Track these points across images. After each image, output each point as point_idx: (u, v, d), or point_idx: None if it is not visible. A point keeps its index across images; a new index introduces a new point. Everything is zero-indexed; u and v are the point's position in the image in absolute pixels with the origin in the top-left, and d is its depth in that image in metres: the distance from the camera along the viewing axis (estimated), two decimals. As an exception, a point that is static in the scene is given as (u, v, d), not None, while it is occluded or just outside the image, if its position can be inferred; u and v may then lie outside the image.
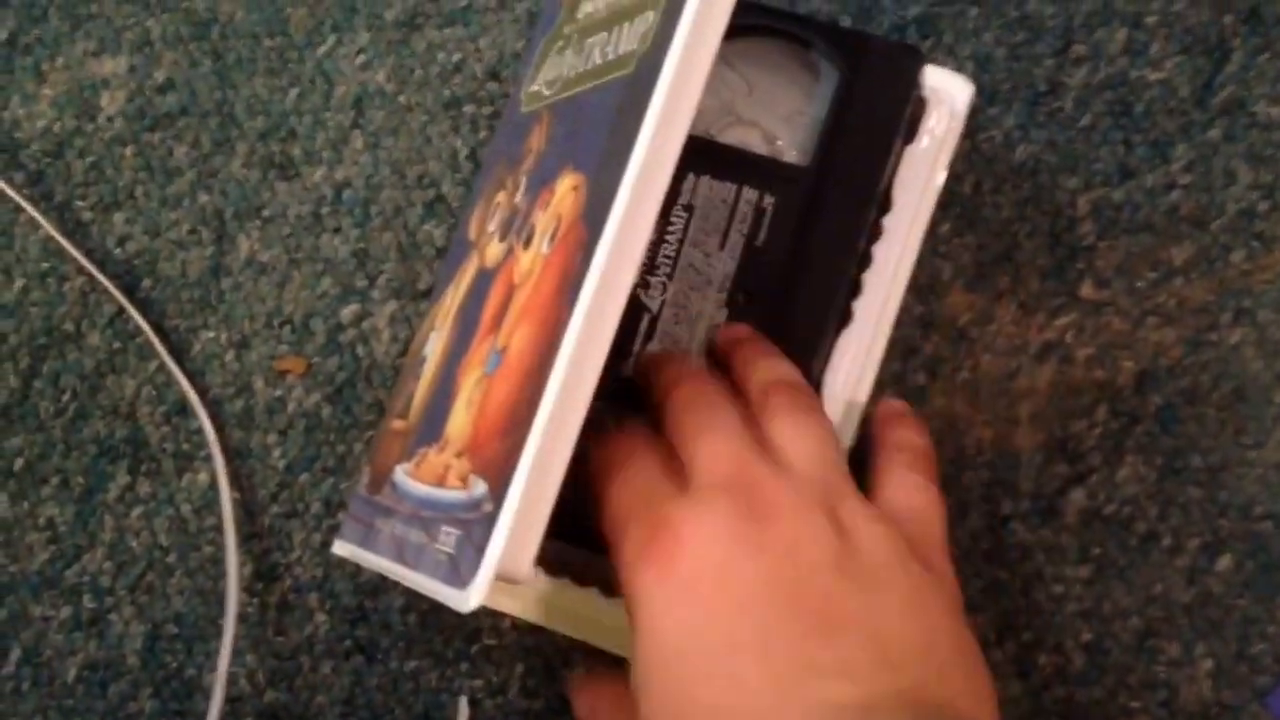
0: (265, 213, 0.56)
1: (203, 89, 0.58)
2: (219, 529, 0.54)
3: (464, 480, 0.40)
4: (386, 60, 0.56)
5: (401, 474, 0.45)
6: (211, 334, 0.56)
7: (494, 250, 0.46)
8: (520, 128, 0.48)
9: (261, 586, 0.53)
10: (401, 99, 0.56)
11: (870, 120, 0.45)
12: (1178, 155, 0.50)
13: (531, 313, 0.40)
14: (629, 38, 0.41)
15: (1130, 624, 0.49)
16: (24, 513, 0.55)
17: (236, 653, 0.53)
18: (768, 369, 0.44)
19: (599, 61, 0.43)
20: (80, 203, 0.57)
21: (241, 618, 0.53)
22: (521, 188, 0.45)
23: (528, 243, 0.43)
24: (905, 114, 0.45)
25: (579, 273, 0.38)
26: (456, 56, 0.56)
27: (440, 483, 0.42)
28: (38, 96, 0.58)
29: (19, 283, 0.57)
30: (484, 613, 0.52)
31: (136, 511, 0.55)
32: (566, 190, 0.41)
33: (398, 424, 0.48)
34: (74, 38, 0.59)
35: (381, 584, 0.53)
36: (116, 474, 0.55)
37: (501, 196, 0.47)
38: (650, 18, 0.41)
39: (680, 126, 0.39)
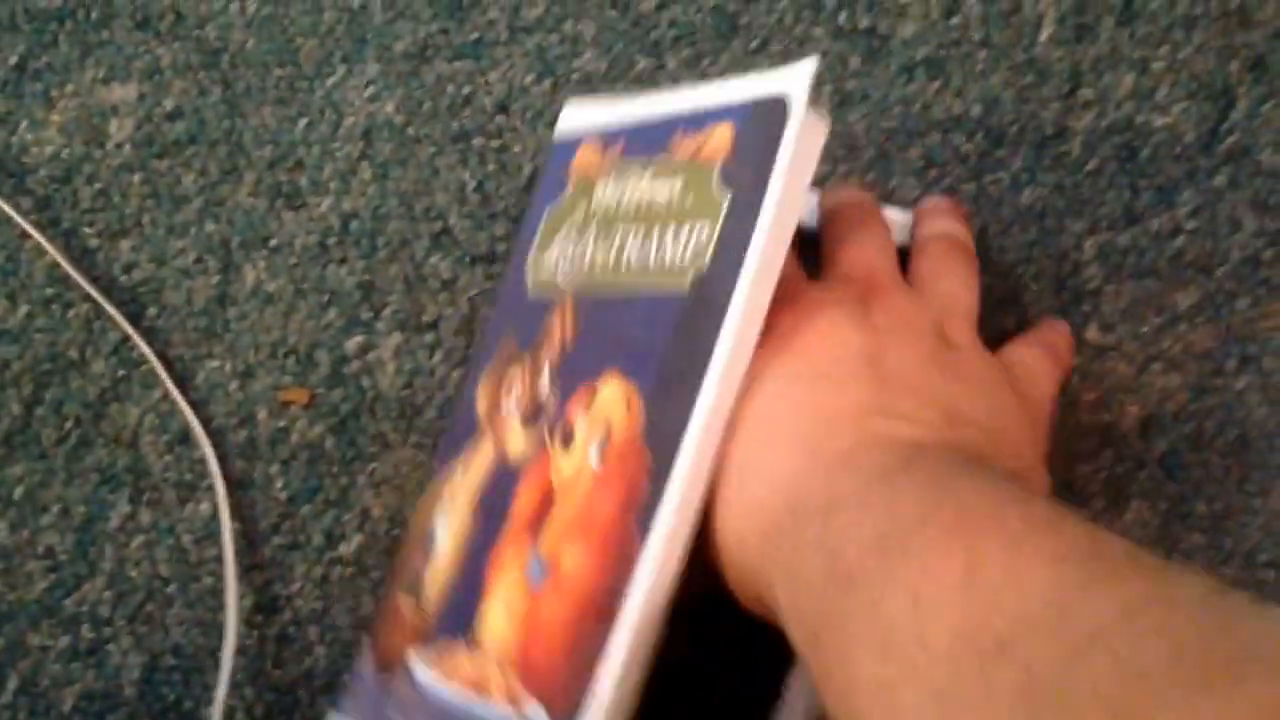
0: (272, 242, 0.56)
1: (211, 117, 0.58)
2: (219, 560, 0.54)
3: (514, 700, 0.40)
4: (396, 92, 0.56)
5: (421, 665, 0.44)
6: (216, 363, 0.56)
7: (517, 440, 0.45)
8: (532, 307, 0.47)
9: (261, 619, 0.53)
10: (410, 131, 0.56)
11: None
12: (1183, 201, 0.50)
13: (588, 532, 0.40)
14: (678, 248, 0.41)
15: (1132, 670, 0.48)
16: (24, 541, 0.55)
17: (234, 685, 0.53)
18: (940, 224, 0.48)
19: (636, 265, 0.43)
20: (87, 229, 0.57)
21: (240, 650, 0.53)
22: (545, 375, 0.44)
23: (566, 443, 0.42)
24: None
25: (648, 502, 0.38)
26: (466, 89, 0.56)
27: (479, 692, 0.41)
28: (46, 122, 0.58)
29: (23, 308, 0.57)
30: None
31: (137, 541, 0.55)
32: (616, 398, 0.41)
33: (405, 601, 0.47)
34: (84, 64, 0.59)
35: (382, 617, 0.53)
36: (118, 503, 0.55)
37: (516, 375, 0.46)
38: (705, 232, 0.40)
39: (743, 362, 0.39)
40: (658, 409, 0.39)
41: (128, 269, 0.57)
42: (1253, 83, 0.50)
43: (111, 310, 0.56)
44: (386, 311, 0.55)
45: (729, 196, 0.40)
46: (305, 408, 0.55)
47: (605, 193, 0.45)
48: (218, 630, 0.53)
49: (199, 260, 0.57)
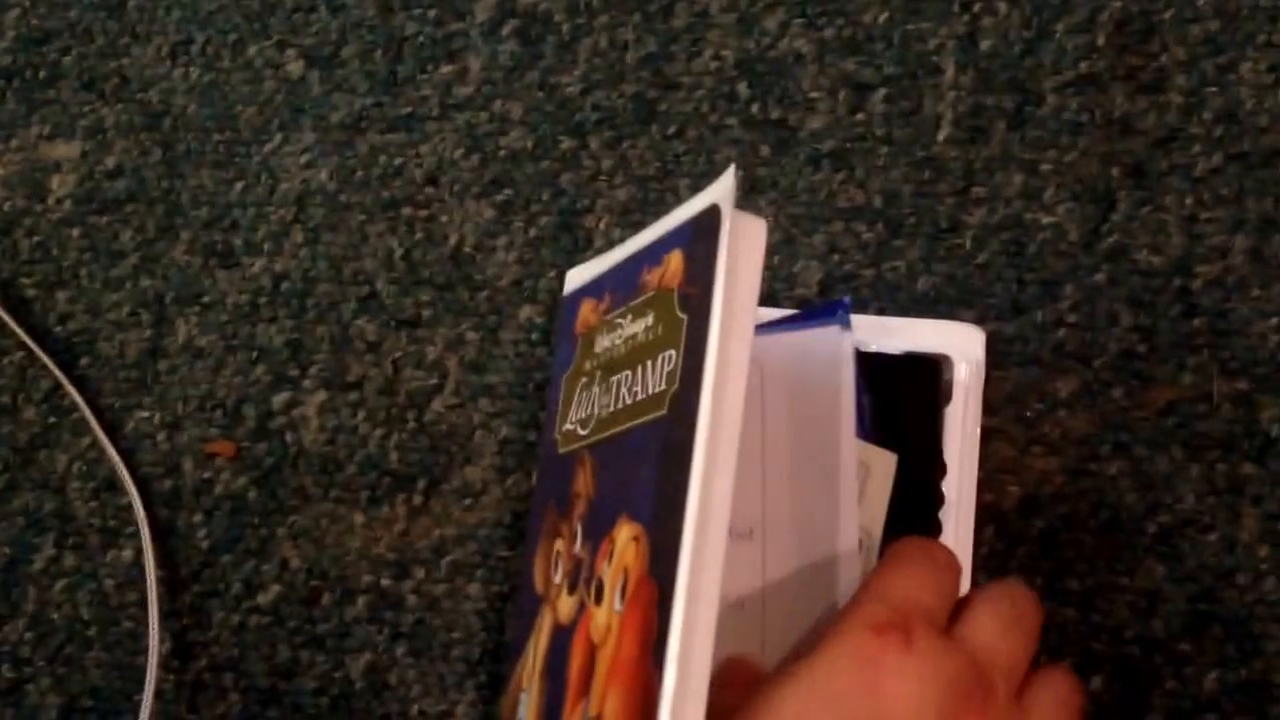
0: (205, 299, 0.58)
1: (151, 177, 0.60)
2: (140, 604, 0.56)
3: None
4: (330, 160, 0.59)
5: None
6: (145, 414, 0.58)
7: (566, 605, 0.46)
8: (563, 470, 0.48)
9: (178, 664, 0.55)
10: (342, 198, 0.58)
11: (916, 420, 0.49)
12: (1066, 295, 0.54)
13: (618, 677, 0.40)
14: (656, 376, 0.42)
15: (1005, 735, 0.51)
16: (-50, 580, 0.57)
17: (150, 726, 0.54)
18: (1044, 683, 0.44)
19: (629, 401, 0.44)
20: (25, 280, 0.59)
21: (158, 694, 0.55)
22: (579, 536, 0.45)
23: (599, 597, 0.43)
24: (941, 409, 0.49)
25: (659, 633, 0.38)
26: (398, 160, 0.58)
27: None
28: (-10, 175, 0.60)
29: (-40, 355, 0.59)
30: None
31: (60, 584, 0.56)
32: (627, 541, 0.42)
33: None
34: (29, 121, 0.61)
35: (295, 667, 0.55)
36: (43, 546, 0.57)
37: (560, 545, 0.47)
38: (673, 356, 0.41)
39: (727, 465, 0.38)
40: (657, 538, 0.40)
41: (63, 320, 0.59)
42: (1132, 187, 0.54)
43: (45, 358, 0.58)
44: (313, 370, 0.57)
45: (686, 317, 0.42)
46: (230, 460, 0.57)
47: (601, 345, 0.47)
48: (136, 674, 0.55)
49: (133, 314, 0.59)
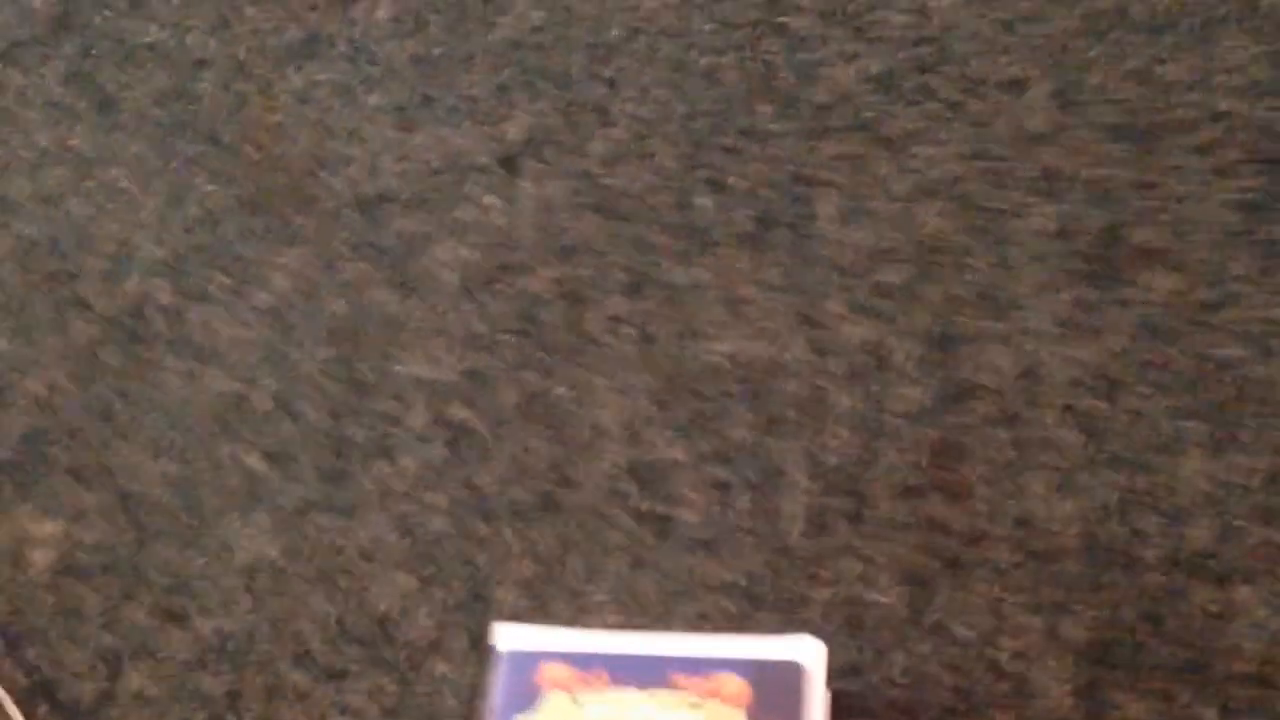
0: (158, 655, 0.67)
1: (122, 551, 0.70)
2: None
3: None
4: (280, 538, 0.69)
5: None
6: (91, 756, 0.65)
7: None
8: None
9: None
10: (287, 569, 0.68)
11: None
12: (896, 660, 0.64)
13: None
14: None
15: None
16: None
17: None
18: None
19: None
20: (-2, 636, 0.68)
21: None
22: None
23: None
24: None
25: None
26: (339, 540, 0.69)
27: None
28: (-19, 546, 0.70)
29: (-69, 697, 0.66)
30: None
31: None
32: None
33: None
34: (21, 503, 0.71)
35: None
36: None
37: None
38: None
39: None
40: None
41: (29, 672, 0.67)
42: (949, 575, 0.65)
43: (8, 703, 0.65)
44: (248, 717, 0.65)
45: None
46: (164, 799, 0.64)
47: (601, 713, 0.57)
48: None
49: (92, 666, 0.67)
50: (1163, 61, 0.74)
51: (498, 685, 0.58)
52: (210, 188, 0.79)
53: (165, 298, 0.77)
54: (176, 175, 0.80)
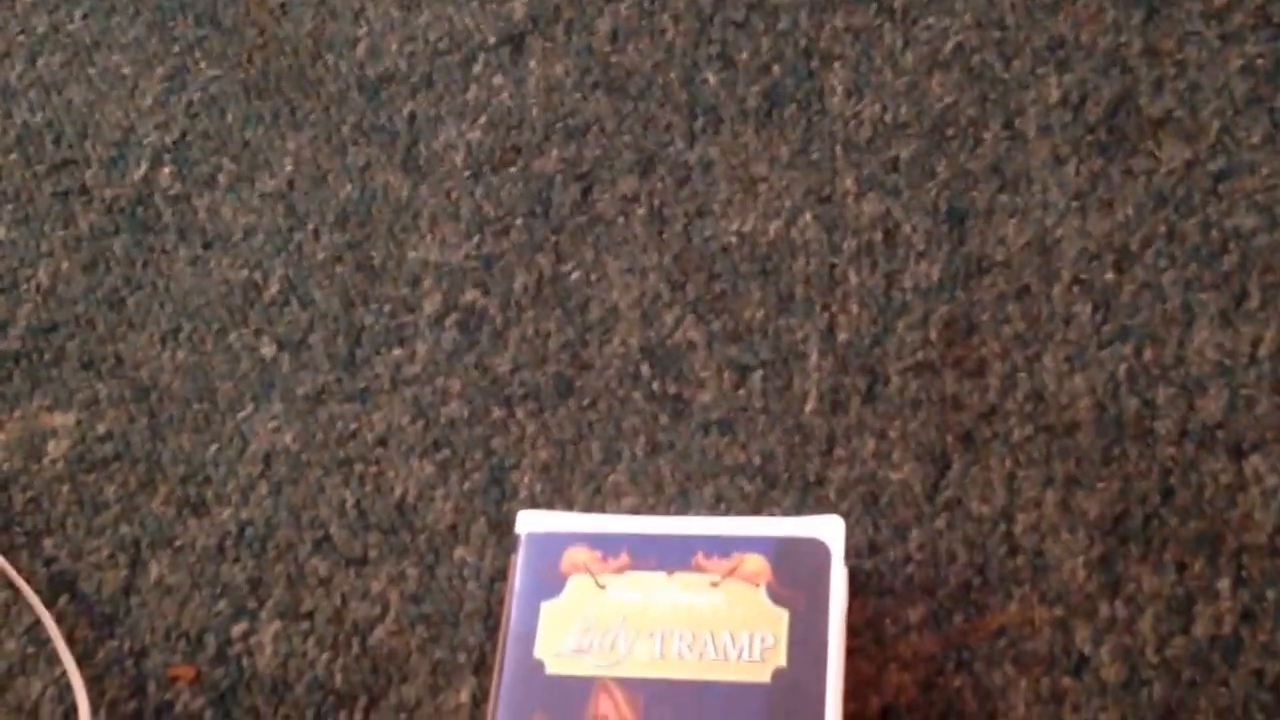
0: (176, 543, 0.67)
1: (136, 441, 0.70)
2: (102, 807, 0.62)
3: None
4: (294, 426, 0.69)
5: None
6: (115, 644, 0.65)
7: None
8: (563, 690, 0.56)
9: None
10: (303, 457, 0.69)
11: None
12: (913, 538, 0.64)
13: None
14: (745, 649, 0.55)
15: None
16: (-71, 785, 0.63)
17: None
18: None
19: (692, 659, 0.55)
20: (17, 529, 0.68)
21: None
22: None
23: None
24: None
25: None
26: (353, 426, 0.69)
27: None
28: (-6, 438, 0.70)
29: (-46, 589, 0.67)
30: None
31: (33, 786, 0.63)
32: None
33: None
34: (32, 395, 0.71)
35: None
36: (17, 755, 0.63)
37: None
38: (770, 638, 0.55)
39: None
40: None
41: (48, 563, 0.67)
42: (963, 450, 0.66)
43: (30, 596, 0.66)
44: (270, 603, 0.66)
45: (787, 613, 0.56)
46: (190, 683, 0.65)
47: (624, 596, 0.57)
48: None
49: (111, 557, 0.67)
50: (1178, -73, 0.73)
51: (520, 570, 0.58)
52: (213, 72, 0.78)
53: (171, 185, 0.76)
54: (178, 60, 0.79)
